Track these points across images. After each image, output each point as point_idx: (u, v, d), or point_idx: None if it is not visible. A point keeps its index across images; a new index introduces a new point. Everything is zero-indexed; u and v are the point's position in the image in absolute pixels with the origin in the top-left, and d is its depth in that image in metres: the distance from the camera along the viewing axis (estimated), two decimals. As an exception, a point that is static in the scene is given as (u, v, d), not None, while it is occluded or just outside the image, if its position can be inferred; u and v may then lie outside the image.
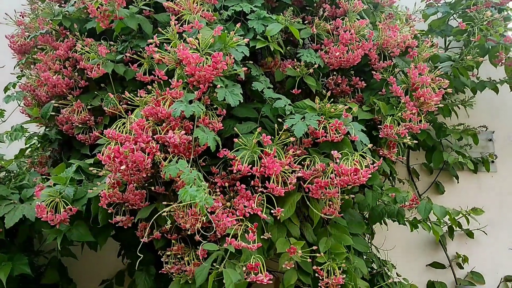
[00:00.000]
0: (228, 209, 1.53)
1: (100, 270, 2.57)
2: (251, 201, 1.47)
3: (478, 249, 2.76)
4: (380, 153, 1.87)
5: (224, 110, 1.65)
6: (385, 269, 2.26)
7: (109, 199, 1.59)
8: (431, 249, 2.74)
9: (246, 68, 1.65)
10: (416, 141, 1.81)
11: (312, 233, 1.74)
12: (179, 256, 1.68)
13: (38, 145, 2.26)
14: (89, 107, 1.99)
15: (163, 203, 1.59)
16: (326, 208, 1.67)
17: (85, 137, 1.99)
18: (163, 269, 1.70)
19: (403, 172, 2.86)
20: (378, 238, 2.40)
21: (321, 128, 1.60)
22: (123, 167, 1.43)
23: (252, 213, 1.46)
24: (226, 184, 1.55)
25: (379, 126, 1.81)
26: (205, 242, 1.47)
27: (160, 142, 1.51)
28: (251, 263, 1.36)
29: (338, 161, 1.52)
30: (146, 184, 1.69)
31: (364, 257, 2.22)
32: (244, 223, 1.45)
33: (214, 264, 1.43)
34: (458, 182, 2.81)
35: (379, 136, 1.80)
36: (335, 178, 1.49)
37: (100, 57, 1.86)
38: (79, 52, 1.92)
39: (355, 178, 1.47)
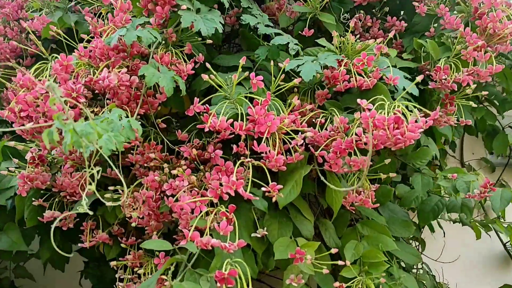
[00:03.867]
0: (197, 189, 0.98)
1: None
2: (230, 176, 0.92)
3: None
4: (431, 118, 1.30)
5: (200, 54, 1.12)
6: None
7: (29, 183, 1.08)
8: (502, 266, 2.08)
9: (226, -16, 1.13)
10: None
11: (333, 233, 1.17)
12: (136, 268, 1.14)
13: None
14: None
15: (109, 188, 1.08)
16: (353, 195, 1.11)
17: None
18: (116, 288, 1.16)
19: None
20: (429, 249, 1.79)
21: (342, 68, 1.06)
22: (28, 125, 0.92)
23: (230, 193, 0.90)
24: (194, 152, 1.00)
25: (427, 73, 1.24)
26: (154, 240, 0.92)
27: (94, 88, 0.99)
28: (222, 271, 0.80)
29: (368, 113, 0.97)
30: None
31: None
32: (217, 209, 0.90)
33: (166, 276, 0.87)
34: (531, 181, 2.17)
35: (429, 87, 1.23)
36: (364, 136, 0.93)
37: (46, 2, 1.40)
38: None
39: (396, 133, 0.91)
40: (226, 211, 0.88)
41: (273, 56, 1.15)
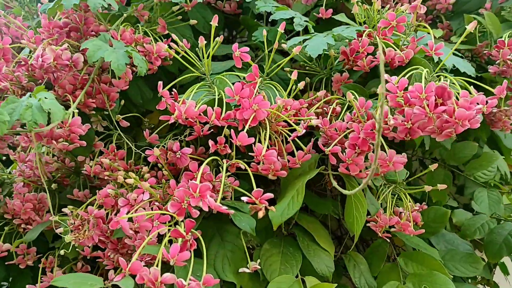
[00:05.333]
0: (159, 204, 0.70)
1: None
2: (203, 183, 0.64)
3: None
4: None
5: (184, 40, 0.87)
6: None
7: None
8: None
9: None
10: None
11: (366, 270, 0.84)
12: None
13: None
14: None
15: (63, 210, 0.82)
16: (385, 215, 0.79)
17: None
18: None
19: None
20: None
21: (364, 37, 0.78)
22: None
23: (202, 207, 0.61)
24: (157, 153, 0.72)
25: (486, 53, 0.93)
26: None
27: (35, 75, 0.76)
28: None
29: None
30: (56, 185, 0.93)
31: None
32: (168, 227, 0.62)
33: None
34: None
35: (490, 72, 0.92)
36: (391, 117, 0.63)
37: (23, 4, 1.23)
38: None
39: (440, 110, 0.60)
40: (183, 230, 0.59)
41: (275, 38, 0.89)
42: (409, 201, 0.82)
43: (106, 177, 0.77)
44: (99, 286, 0.55)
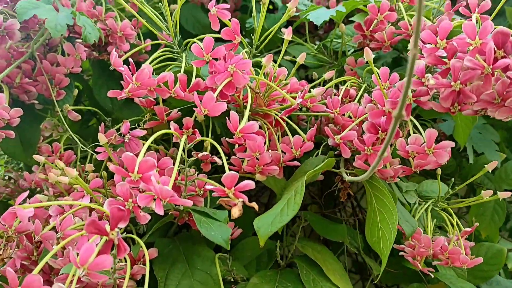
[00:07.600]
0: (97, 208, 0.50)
1: None
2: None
3: None
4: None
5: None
6: None
7: None
8: None
9: None
10: None
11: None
12: None
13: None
14: None
15: None
16: (425, 235, 0.57)
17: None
18: None
19: None
20: None
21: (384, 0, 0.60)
22: None
23: (155, 208, 0.41)
24: (103, 140, 0.52)
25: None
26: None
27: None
28: None
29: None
30: None
31: None
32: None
33: None
34: None
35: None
36: (429, 75, 0.43)
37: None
38: None
39: (503, 64, 0.40)
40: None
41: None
42: (456, 222, 0.59)
43: (41, 181, 0.58)
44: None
